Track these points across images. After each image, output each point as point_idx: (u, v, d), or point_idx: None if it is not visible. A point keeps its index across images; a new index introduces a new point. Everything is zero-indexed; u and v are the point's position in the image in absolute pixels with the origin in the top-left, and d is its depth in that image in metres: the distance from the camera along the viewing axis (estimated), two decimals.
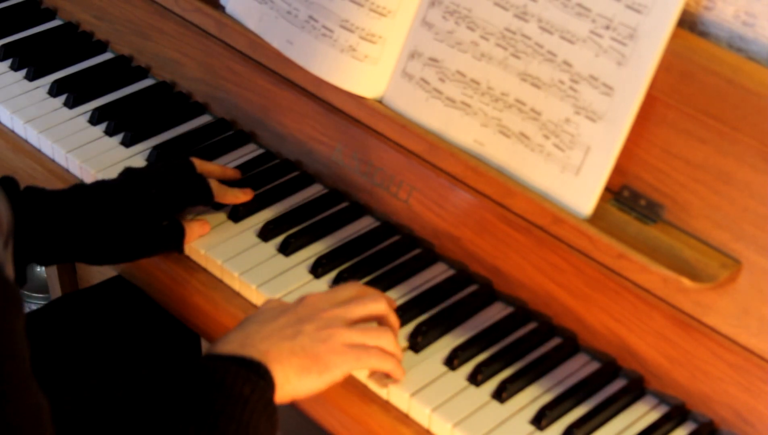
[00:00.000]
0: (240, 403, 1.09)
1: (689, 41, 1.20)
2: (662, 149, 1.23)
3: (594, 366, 1.27)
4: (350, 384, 1.25)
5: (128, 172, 1.40)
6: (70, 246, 1.34)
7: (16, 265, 1.21)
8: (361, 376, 1.25)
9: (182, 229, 1.39)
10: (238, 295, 1.37)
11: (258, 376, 1.12)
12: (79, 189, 1.38)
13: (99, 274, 1.83)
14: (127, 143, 1.57)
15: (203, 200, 1.43)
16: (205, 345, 1.53)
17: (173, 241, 1.40)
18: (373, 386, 1.24)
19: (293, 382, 1.14)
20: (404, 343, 1.28)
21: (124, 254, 1.38)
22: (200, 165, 1.45)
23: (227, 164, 1.53)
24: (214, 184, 1.43)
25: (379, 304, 1.23)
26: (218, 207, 1.46)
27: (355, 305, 1.21)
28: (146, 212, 1.37)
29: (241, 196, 1.46)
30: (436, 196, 1.38)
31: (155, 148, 1.56)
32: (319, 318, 1.18)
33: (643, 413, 1.23)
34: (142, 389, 1.13)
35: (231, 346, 1.15)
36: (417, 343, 1.27)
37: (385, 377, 1.23)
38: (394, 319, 1.24)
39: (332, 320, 1.19)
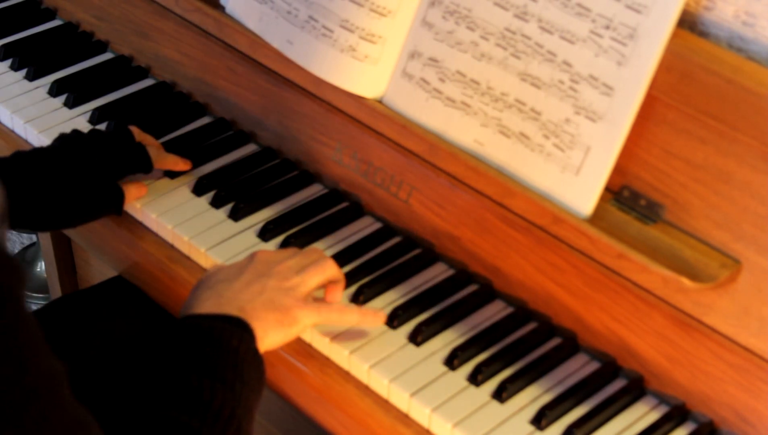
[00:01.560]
0: (231, 355, 1.13)
1: (689, 41, 1.20)
2: (662, 149, 1.23)
3: (594, 366, 1.27)
4: (351, 383, 1.25)
5: (63, 138, 1.42)
6: (12, 212, 1.34)
7: None
8: (363, 376, 1.25)
9: (121, 192, 1.41)
10: None
11: (242, 329, 1.16)
12: (18, 156, 1.39)
13: (99, 274, 1.84)
14: None
15: (143, 168, 1.44)
16: None
17: (112, 204, 1.41)
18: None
19: (270, 335, 1.20)
20: (404, 342, 1.28)
21: (64, 219, 1.39)
22: (138, 134, 1.47)
23: (227, 164, 1.53)
24: (152, 151, 1.45)
25: (316, 253, 1.30)
26: (173, 175, 1.49)
27: (301, 256, 1.28)
28: (85, 177, 1.38)
29: (181, 164, 1.50)
30: (436, 196, 1.38)
31: None
32: (277, 272, 1.24)
33: (643, 413, 1.23)
34: (136, 363, 1.15)
35: (206, 304, 1.19)
36: (417, 341, 1.28)
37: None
38: (330, 267, 1.30)
39: (288, 272, 1.25)
